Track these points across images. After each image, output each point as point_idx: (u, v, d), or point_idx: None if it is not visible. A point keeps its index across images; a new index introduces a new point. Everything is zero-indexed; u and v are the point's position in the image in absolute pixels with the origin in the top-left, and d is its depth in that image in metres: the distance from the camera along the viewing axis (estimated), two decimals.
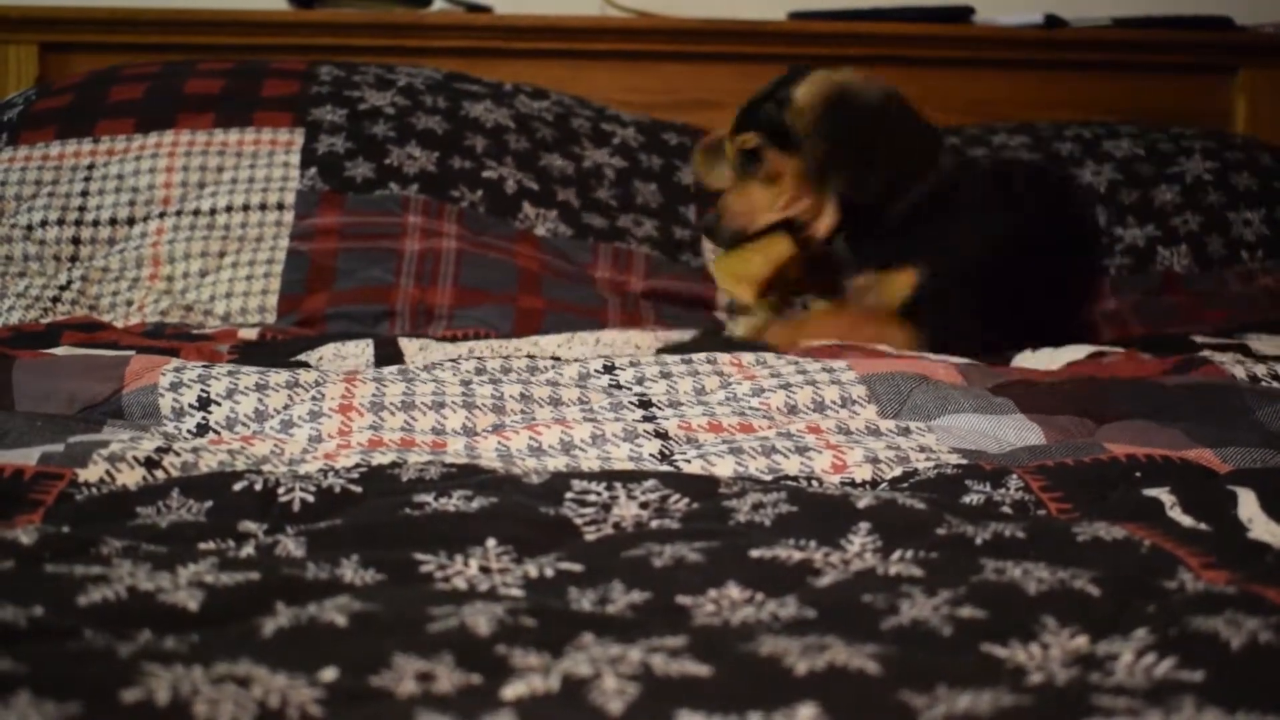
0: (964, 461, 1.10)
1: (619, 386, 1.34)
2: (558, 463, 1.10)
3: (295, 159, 2.24)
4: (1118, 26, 2.80)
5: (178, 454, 1.05)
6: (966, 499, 1.00)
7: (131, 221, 2.17)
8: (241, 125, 2.31)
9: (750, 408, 1.29)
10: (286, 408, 1.25)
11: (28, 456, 1.03)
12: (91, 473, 1.01)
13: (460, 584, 0.80)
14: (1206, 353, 1.59)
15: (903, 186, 1.84)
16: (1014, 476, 1.03)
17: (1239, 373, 1.47)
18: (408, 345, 1.64)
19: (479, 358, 1.48)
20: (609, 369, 1.38)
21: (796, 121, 1.84)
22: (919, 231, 1.84)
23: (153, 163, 2.23)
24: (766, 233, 1.87)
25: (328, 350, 1.66)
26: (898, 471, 1.09)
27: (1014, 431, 1.22)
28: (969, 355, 1.59)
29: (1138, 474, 1.05)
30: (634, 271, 2.21)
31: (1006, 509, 0.98)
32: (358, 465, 1.03)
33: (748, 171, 1.89)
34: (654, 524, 0.91)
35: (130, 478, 1.01)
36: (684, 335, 1.85)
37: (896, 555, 0.84)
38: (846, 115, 1.84)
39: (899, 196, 1.84)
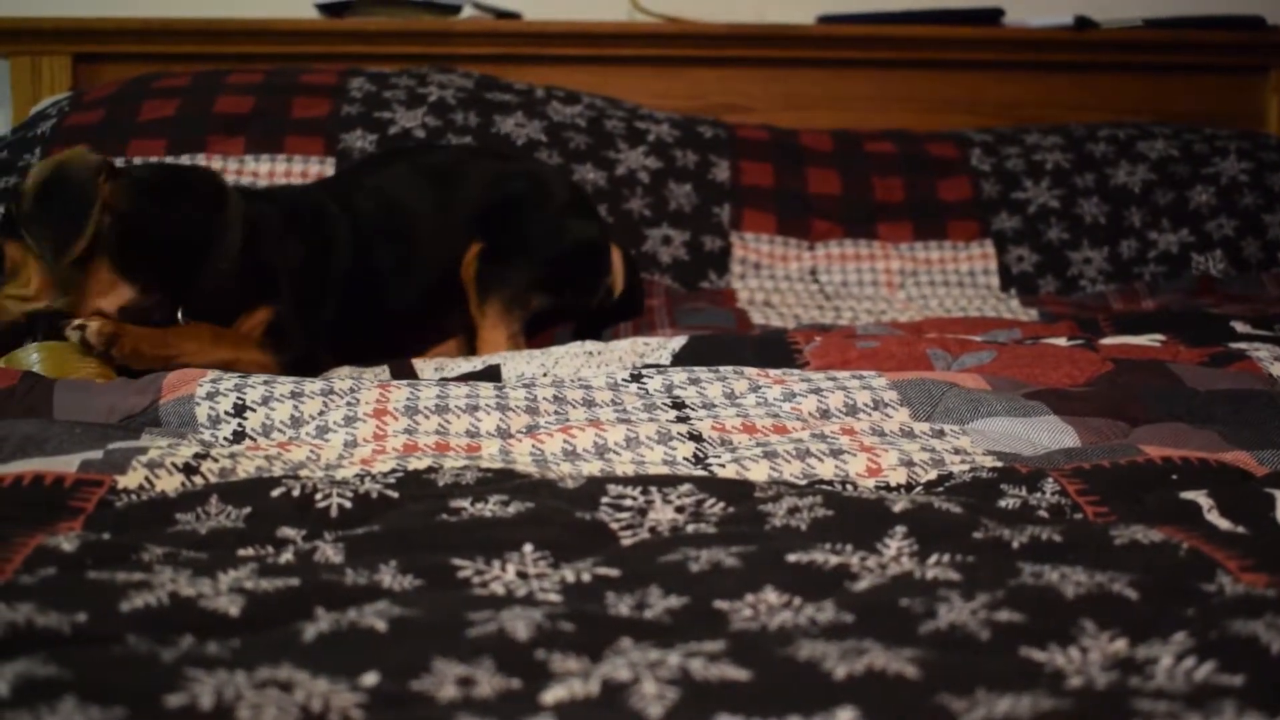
0: (999, 464, 1.09)
1: (648, 394, 1.34)
2: (592, 467, 1.11)
3: None
4: (1148, 27, 2.79)
5: (215, 460, 1.06)
6: (1002, 502, 0.99)
7: None
8: (272, 152, 2.32)
9: (783, 411, 1.29)
10: (322, 413, 1.26)
11: (68, 464, 1.04)
12: (131, 479, 1.02)
13: (498, 589, 0.80)
14: (1243, 345, 1.58)
15: (199, 249, 1.73)
16: (1050, 480, 1.03)
17: (1277, 370, 1.46)
18: (423, 367, 1.65)
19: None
20: (636, 377, 1.38)
21: (22, 206, 1.67)
22: (252, 274, 1.77)
23: None
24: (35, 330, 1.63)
25: (343, 370, 1.67)
26: (933, 475, 1.08)
27: (1048, 434, 1.22)
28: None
29: (1174, 476, 1.04)
30: (654, 297, 2.22)
31: (1043, 512, 0.98)
32: (394, 470, 1.03)
33: None
34: (690, 528, 0.91)
35: (169, 484, 1.02)
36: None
37: (933, 559, 0.84)
38: (57, 188, 1.67)
39: (206, 258, 1.73)
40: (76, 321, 1.58)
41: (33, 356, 1.58)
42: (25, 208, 1.66)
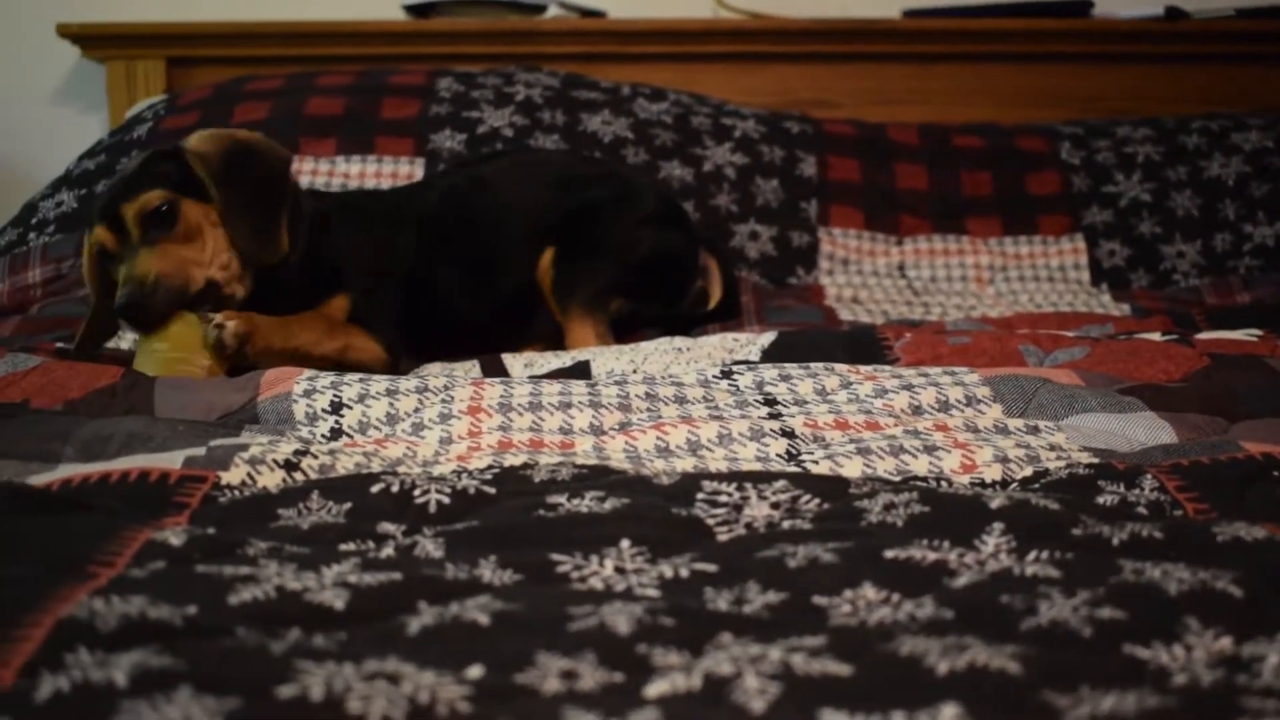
0: (1096, 461, 1.08)
1: (739, 390, 1.35)
2: (685, 463, 1.11)
3: None
4: (1240, 17, 2.75)
5: (315, 456, 1.08)
6: (1100, 499, 0.99)
7: None
8: (363, 153, 2.35)
9: (875, 408, 1.29)
10: (417, 410, 1.27)
11: (173, 460, 1.06)
12: (233, 475, 1.03)
13: (597, 584, 0.81)
14: None
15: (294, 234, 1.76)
16: (1148, 476, 1.01)
17: None
18: (512, 362, 1.66)
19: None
20: (727, 374, 1.38)
21: (204, 170, 1.70)
22: (325, 267, 1.80)
23: None
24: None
25: (434, 367, 1.69)
26: (1028, 471, 1.08)
27: (1144, 430, 1.21)
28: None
29: (1276, 473, 1.03)
30: (742, 294, 2.22)
31: (1142, 509, 0.97)
32: (490, 467, 1.04)
33: (156, 236, 1.65)
34: (786, 525, 0.91)
35: (270, 480, 1.04)
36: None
37: (1032, 556, 0.83)
38: (251, 168, 1.74)
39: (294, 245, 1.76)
40: (216, 319, 1.62)
41: (156, 345, 1.61)
42: (217, 184, 1.69)
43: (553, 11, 2.78)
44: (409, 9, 2.81)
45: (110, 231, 1.68)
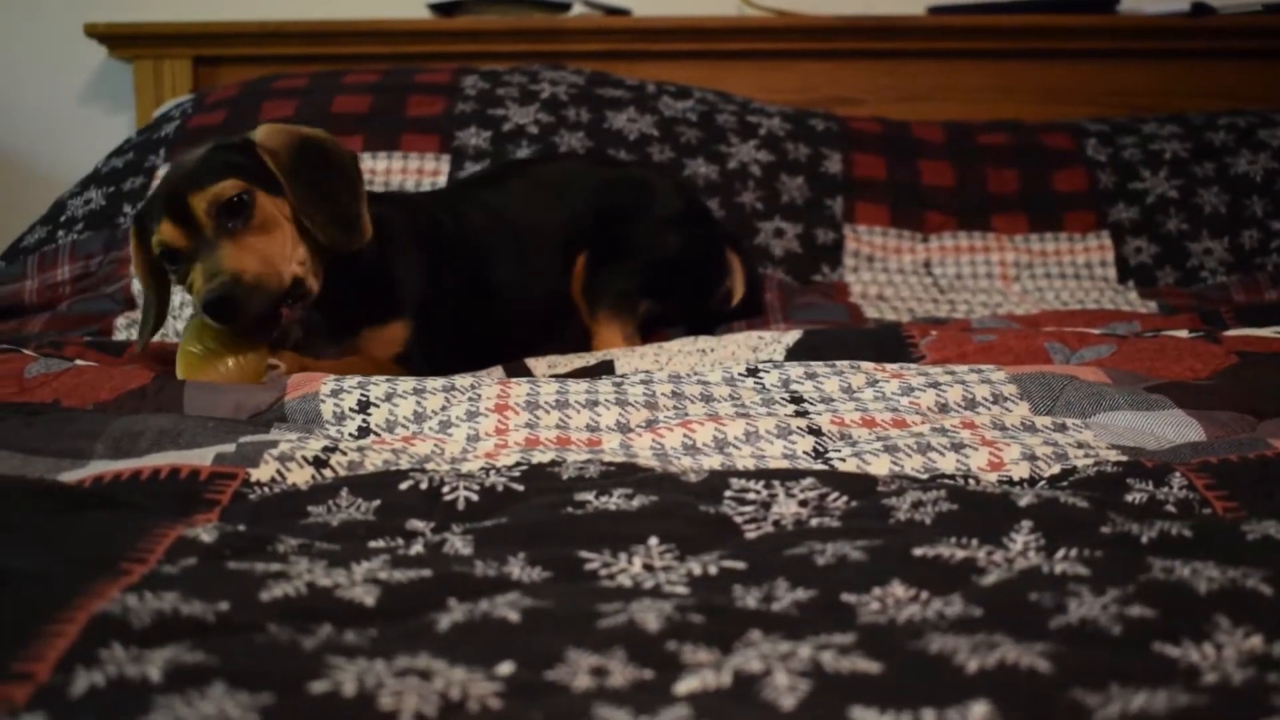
0: (1124, 459, 1.08)
1: (765, 389, 1.35)
2: (713, 461, 1.11)
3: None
4: (1267, 12, 2.73)
5: (344, 453, 1.08)
6: (1129, 497, 0.98)
7: None
8: (389, 149, 2.35)
9: (901, 405, 1.29)
10: (444, 408, 1.28)
11: (203, 457, 1.07)
12: (263, 472, 1.04)
13: (625, 581, 0.81)
14: None
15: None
16: (1177, 474, 1.01)
17: None
18: (535, 364, 1.66)
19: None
20: (753, 372, 1.38)
21: (274, 164, 1.62)
22: (385, 281, 1.72)
23: None
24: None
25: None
26: (1056, 469, 1.07)
27: (1173, 428, 1.20)
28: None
29: None
30: (768, 291, 2.22)
31: (1171, 507, 0.97)
32: (518, 464, 1.05)
33: (233, 228, 1.56)
34: (814, 522, 0.91)
35: (300, 477, 1.04)
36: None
37: (1061, 554, 0.83)
38: (321, 162, 1.66)
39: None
40: (272, 360, 1.60)
41: (195, 348, 1.57)
42: (288, 177, 1.62)
43: (577, 9, 2.78)
44: (434, 7, 2.82)
45: (177, 226, 1.56)
